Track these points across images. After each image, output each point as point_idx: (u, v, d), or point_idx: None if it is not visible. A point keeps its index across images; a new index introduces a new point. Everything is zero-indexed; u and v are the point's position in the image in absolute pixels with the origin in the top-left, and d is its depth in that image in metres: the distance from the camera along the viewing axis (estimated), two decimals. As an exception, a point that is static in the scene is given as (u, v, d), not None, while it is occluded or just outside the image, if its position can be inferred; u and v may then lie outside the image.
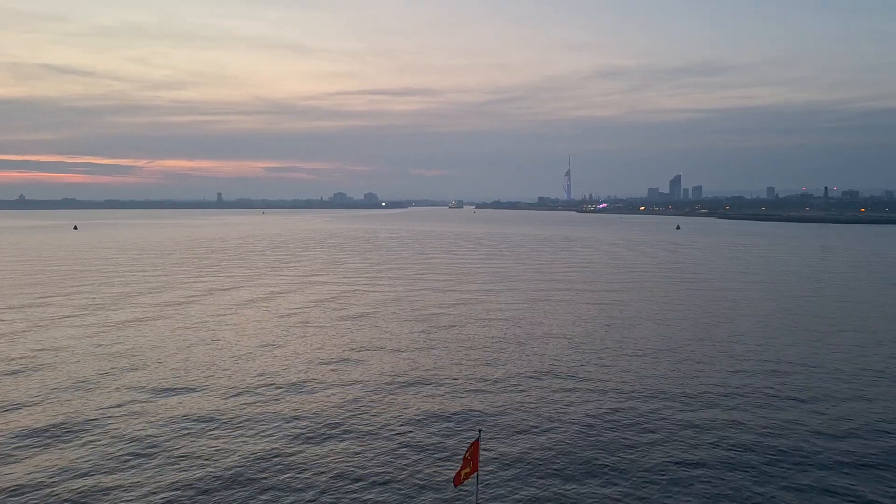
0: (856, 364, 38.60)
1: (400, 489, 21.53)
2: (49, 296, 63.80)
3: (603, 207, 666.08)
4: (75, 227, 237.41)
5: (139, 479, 22.51)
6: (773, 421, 28.60)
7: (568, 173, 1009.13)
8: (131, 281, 75.98)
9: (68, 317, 52.26)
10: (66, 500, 21.17)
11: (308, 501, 20.87)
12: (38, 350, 40.83)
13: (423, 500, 20.65)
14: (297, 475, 22.77)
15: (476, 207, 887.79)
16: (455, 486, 14.59)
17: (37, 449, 25.23)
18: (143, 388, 32.89)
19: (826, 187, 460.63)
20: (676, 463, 23.97)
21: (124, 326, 48.29)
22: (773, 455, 25.02)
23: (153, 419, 28.31)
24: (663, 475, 22.94)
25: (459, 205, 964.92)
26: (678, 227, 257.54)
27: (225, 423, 27.90)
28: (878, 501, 21.49)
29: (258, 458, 24.11)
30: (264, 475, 22.79)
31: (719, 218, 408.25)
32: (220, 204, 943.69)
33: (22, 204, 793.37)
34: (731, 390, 32.99)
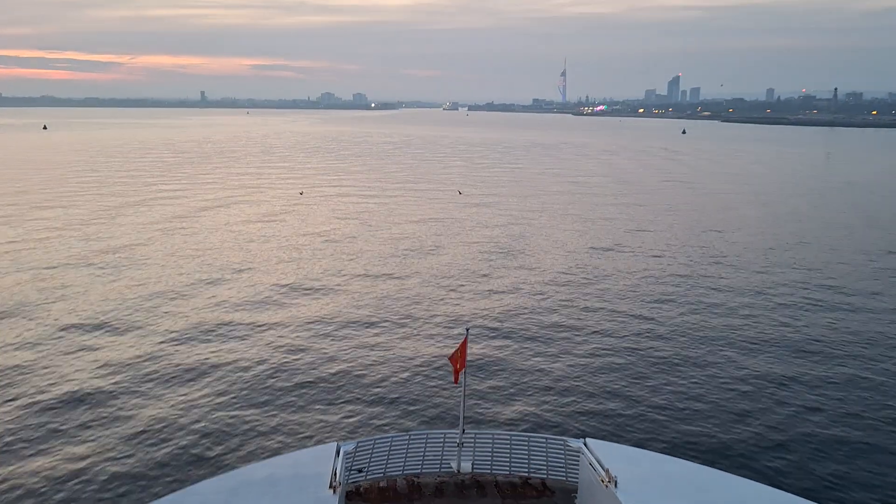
0: None
1: (394, 381, 23.50)
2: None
3: (601, 110, 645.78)
4: (45, 127, 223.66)
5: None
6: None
7: (563, 74, 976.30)
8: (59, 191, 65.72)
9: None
10: None
11: (309, 391, 22.54)
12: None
13: (415, 390, 22.79)
14: (297, 370, 24.44)
15: (469, 110, 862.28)
16: (455, 382, 14.90)
17: None
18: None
19: (836, 89, 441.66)
20: (635, 364, 25.61)
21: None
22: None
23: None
24: (628, 371, 24.96)
25: (454, 107, 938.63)
26: (684, 132, 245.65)
27: (217, 335, 27.69)
28: None
29: (265, 357, 25.47)
30: (270, 370, 24.28)
31: (723, 121, 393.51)
32: (204, 103, 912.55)
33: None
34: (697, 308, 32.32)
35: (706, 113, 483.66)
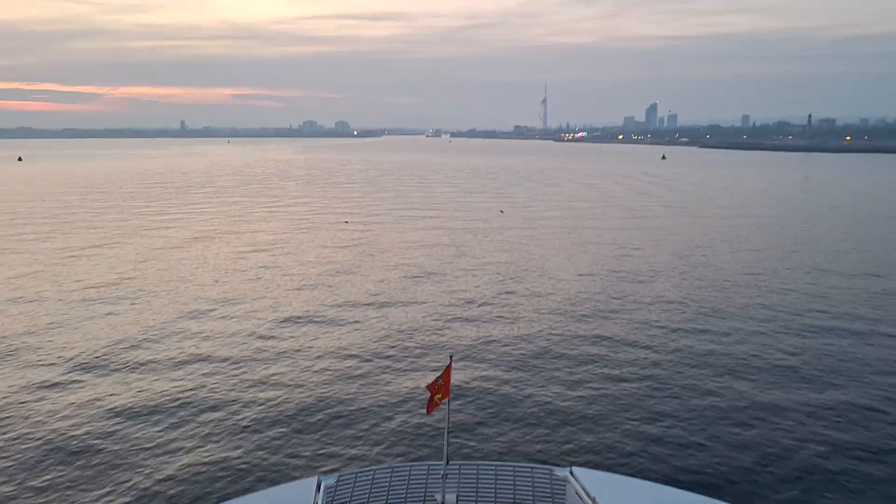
0: None
1: (375, 413, 22.71)
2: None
3: (581, 136, 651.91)
4: (19, 159, 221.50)
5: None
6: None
7: (544, 101, 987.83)
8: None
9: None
10: None
11: (287, 424, 21.85)
12: None
13: (398, 421, 22.05)
14: (274, 398, 23.93)
15: (451, 137, 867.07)
16: (428, 413, 14.57)
17: None
18: None
19: (810, 115, 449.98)
20: (629, 384, 25.69)
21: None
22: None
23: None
24: (618, 392, 24.90)
25: (437, 134, 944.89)
26: (664, 157, 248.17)
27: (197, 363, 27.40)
28: None
29: (239, 384, 25.26)
30: (245, 400, 23.70)
31: (701, 147, 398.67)
32: (184, 132, 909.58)
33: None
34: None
35: (684, 139, 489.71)
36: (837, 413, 22.58)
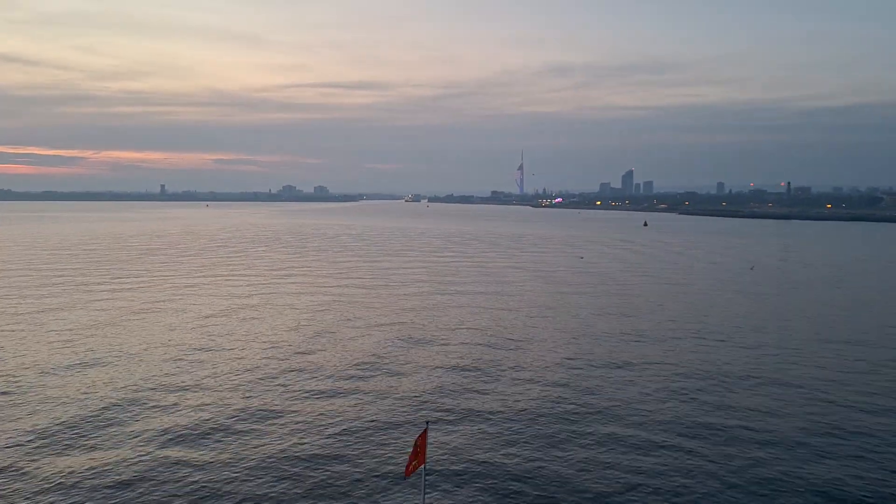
0: None
1: (348, 480, 22.30)
2: None
3: (559, 202, 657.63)
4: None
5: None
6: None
7: (521, 167, 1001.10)
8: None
9: None
10: None
11: (255, 493, 21.29)
12: None
13: (371, 491, 21.57)
14: (244, 465, 23.20)
15: (429, 201, 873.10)
16: (406, 476, 14.47)
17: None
18: None
19: (789, 183, 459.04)
20: (616, 442, 25.82)
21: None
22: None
23: None
24: (602, 455, 24.66)
25: (416, 198, 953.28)
26: (645, 224, 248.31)
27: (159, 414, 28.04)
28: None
29: (202, 450, 24.29)
30: (211, 468, 22.87)
31: (680, 214, 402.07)
32: (164, 196, 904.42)
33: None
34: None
35: (663, 205, 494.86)
36: None
